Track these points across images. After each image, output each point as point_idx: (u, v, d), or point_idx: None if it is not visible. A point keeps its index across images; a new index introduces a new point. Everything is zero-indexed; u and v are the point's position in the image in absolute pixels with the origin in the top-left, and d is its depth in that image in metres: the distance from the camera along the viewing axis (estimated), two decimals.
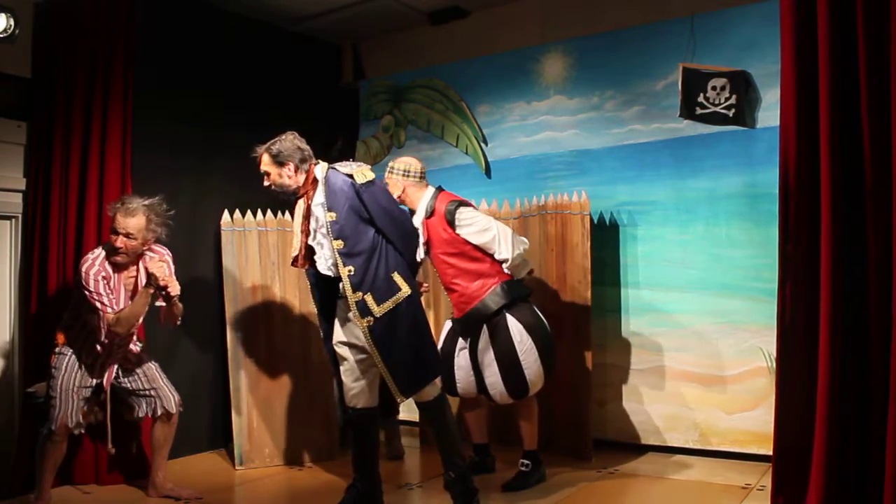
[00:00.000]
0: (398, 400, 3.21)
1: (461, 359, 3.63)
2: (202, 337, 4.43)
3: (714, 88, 4.01)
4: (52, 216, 3.86)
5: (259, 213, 4.40)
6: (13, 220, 4.02)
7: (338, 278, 3.12)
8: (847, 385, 2.69)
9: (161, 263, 3.40)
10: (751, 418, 3.94)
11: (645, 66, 4.28)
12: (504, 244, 3.52)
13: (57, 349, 3.48)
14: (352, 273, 3.07)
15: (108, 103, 3.86)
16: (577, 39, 4.52)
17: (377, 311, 3.06)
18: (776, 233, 2.92)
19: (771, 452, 2.93)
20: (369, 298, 3.06)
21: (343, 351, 3.24)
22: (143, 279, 3.45)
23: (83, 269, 3.33)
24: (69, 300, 3.58)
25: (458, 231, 3.51)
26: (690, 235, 4.18)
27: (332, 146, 5.41)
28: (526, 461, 3.66)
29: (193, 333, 4.35)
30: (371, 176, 3.14)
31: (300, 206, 3.23)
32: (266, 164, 3.17)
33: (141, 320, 3.47)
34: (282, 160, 3.13)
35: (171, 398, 3.59)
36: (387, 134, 5.25)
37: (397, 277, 3.12)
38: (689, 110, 4.06)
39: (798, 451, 2.79)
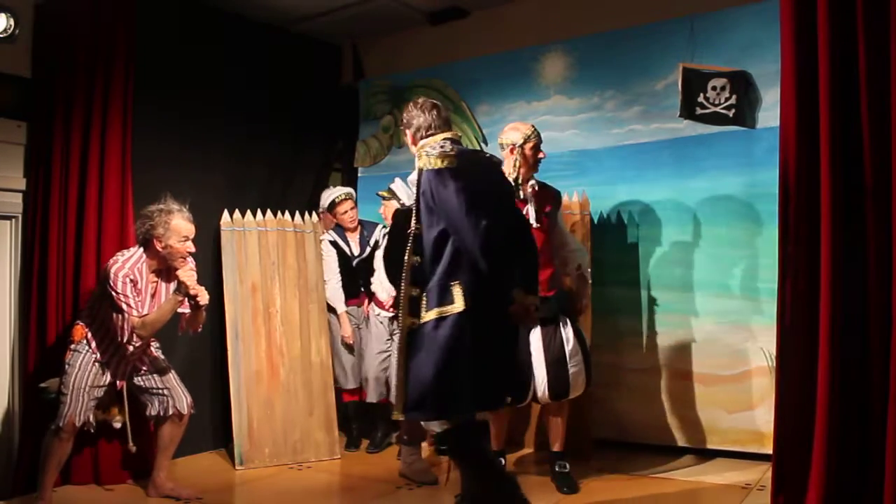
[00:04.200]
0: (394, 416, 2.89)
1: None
2: (202, 337, 4.41)
3: (714, 88, 4.00)
4: (52, 216, 3.85)
5: (259, 213, 4.40)
6: (13, 220, 4.01)
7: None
8: (847, 385, 2.69)
9: (191, 272, 3.38)
10: (751, 418, 3.94)
11: (645, 66, 4.28)
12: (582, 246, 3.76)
13: (73, 346, 3.44)
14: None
15: (108, 103, 3.85)
16: (577, 39, 4.52)
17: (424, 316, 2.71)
18: (776, 233, 2.92)
19: (771, 452, 2.93)
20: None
21: None
22: (162, 285, 3.46)
23: (112, 270, 3.30)
24: (88, 296, 3.57)
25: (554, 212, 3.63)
26: (690, 235, 4.18)
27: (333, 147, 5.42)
28: (563, 462, 3.61)
29: (193, 333, 4.34)
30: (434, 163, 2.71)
31: None
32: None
33: None
34: None
35: (183, 399, 3.59)
36: (387, 134, 5.24)
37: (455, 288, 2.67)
38: (689, 110, 4.06)
39: (798, 450, 2.79)
